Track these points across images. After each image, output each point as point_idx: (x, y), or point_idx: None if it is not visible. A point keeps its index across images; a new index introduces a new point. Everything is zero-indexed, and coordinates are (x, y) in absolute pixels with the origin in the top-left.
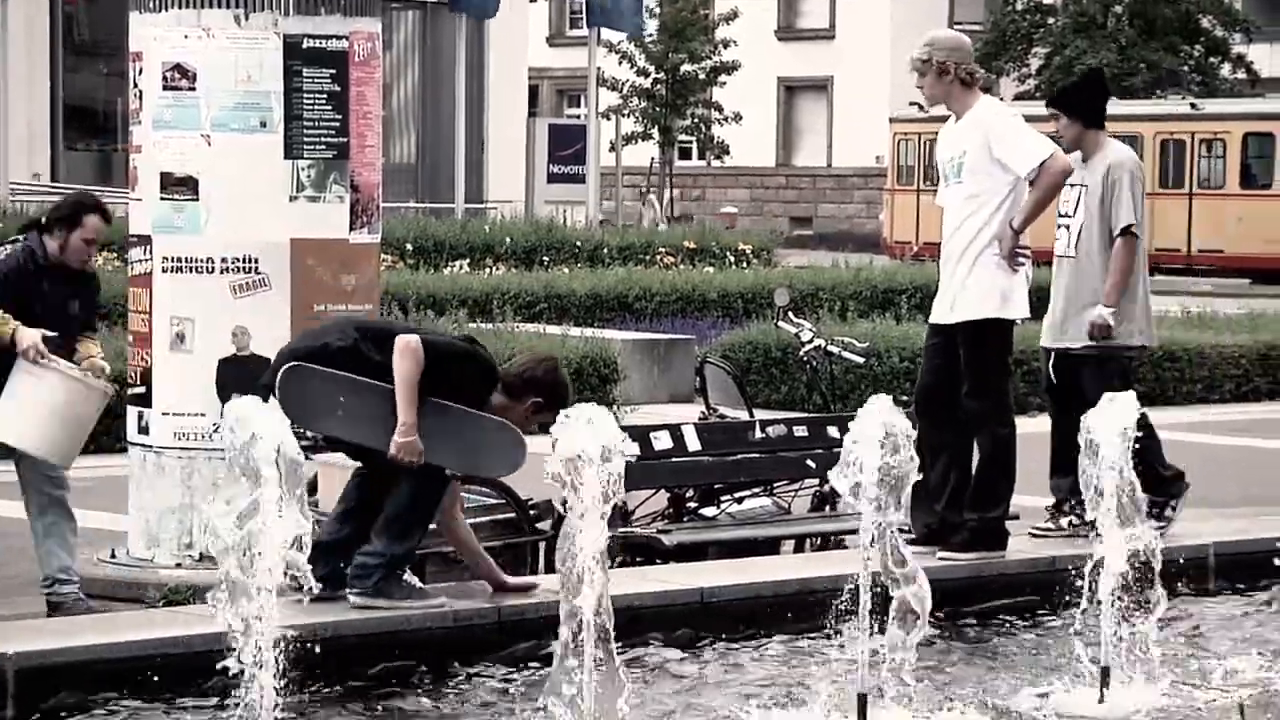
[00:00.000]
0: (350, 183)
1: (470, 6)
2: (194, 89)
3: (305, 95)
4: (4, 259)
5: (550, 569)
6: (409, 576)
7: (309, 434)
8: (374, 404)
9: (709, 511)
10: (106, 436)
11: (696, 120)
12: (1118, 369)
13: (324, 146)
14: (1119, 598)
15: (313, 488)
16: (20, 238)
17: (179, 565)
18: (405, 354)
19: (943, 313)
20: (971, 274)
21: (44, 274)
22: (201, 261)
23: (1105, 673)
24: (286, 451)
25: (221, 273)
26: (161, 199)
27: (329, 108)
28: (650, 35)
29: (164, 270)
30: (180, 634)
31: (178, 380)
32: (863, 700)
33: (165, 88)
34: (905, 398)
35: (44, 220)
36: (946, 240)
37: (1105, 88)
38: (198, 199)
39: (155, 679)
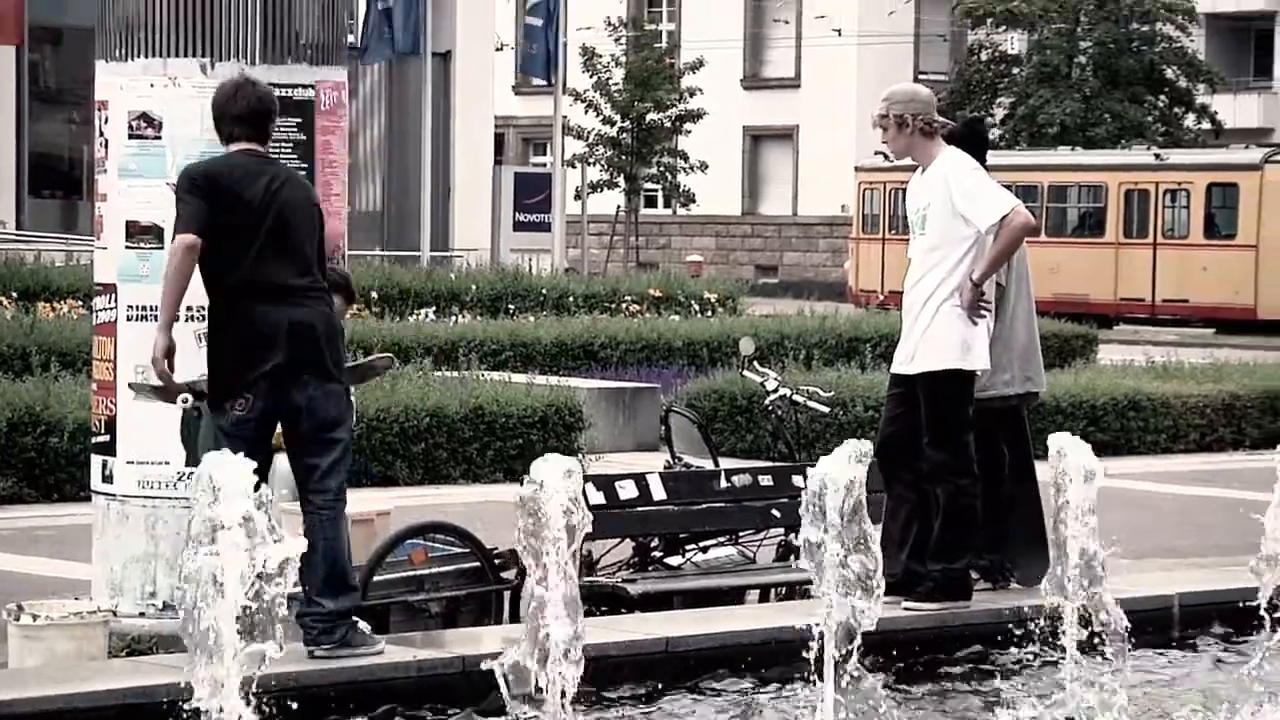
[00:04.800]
0: None
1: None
2: (159, 137)
3: (271, 144)
4: None
5: (515, 618)
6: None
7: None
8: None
9: (674, 561)
10: (70, 485)
11: (662, 168)
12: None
13: None
14: (1084, 651)
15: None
16: None
17: (142, 615)
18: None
19: (904, 363)
20: (932, 325)
21: None
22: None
23: None
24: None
25: (186, 321)
26: (127, 247)
27: (295, 157)
28: (615, 84)
29: (129, 319)
30: (142, 684)
31: (142, 429)
32: None
33: (131, 136)
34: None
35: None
36: (909, 290)
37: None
38: (163, 247)
39: None
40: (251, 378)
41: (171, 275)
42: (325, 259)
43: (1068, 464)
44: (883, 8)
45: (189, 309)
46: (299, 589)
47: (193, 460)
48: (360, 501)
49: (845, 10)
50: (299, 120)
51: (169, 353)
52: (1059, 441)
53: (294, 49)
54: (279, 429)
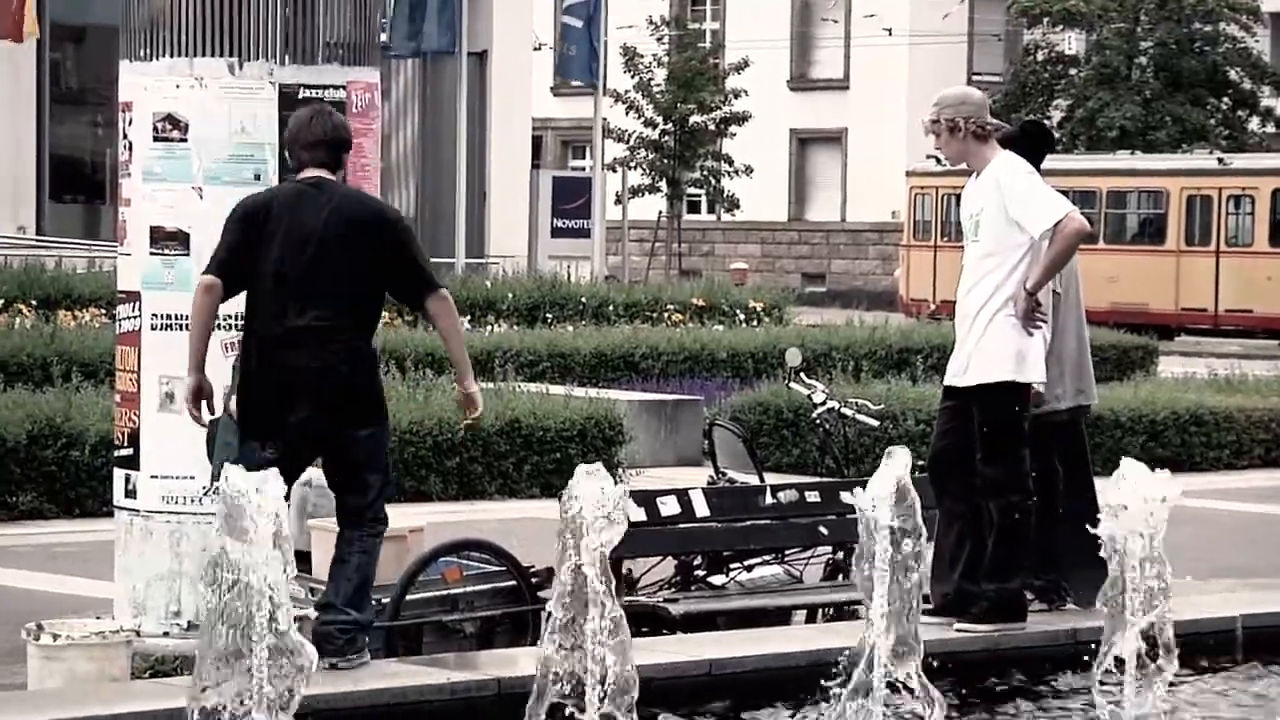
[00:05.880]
0: None
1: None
2: (185, 140)
3: None
4: None
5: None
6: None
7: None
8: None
9: (717, 580)
10: (92, 500)
11: (706, 173)
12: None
13: None
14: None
15: (305, 556)
16: None
17: (166, 634)
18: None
19: (956, 375)
20: (986, 335)
21: None
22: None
23: None
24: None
25: (215, 329)
26: (151, 254)
27: None
28: (657, 85)
29: (153, 328)
30: (167, 706)
31: (167, 442)
32: None
33: (156, 139)
34: (920, 462)
35: None
36: (961, 299)
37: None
38: (189, 254)
39: None
40: (276, 427)
41: (192, 316)
42: (411, 274)
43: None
44: (935, 6)
45: (226, 316)
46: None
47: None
48: (393, 517)
49: (896, 9)
50: None
51: (198, 395)
52: (1128, 468)
53: (324, 48)
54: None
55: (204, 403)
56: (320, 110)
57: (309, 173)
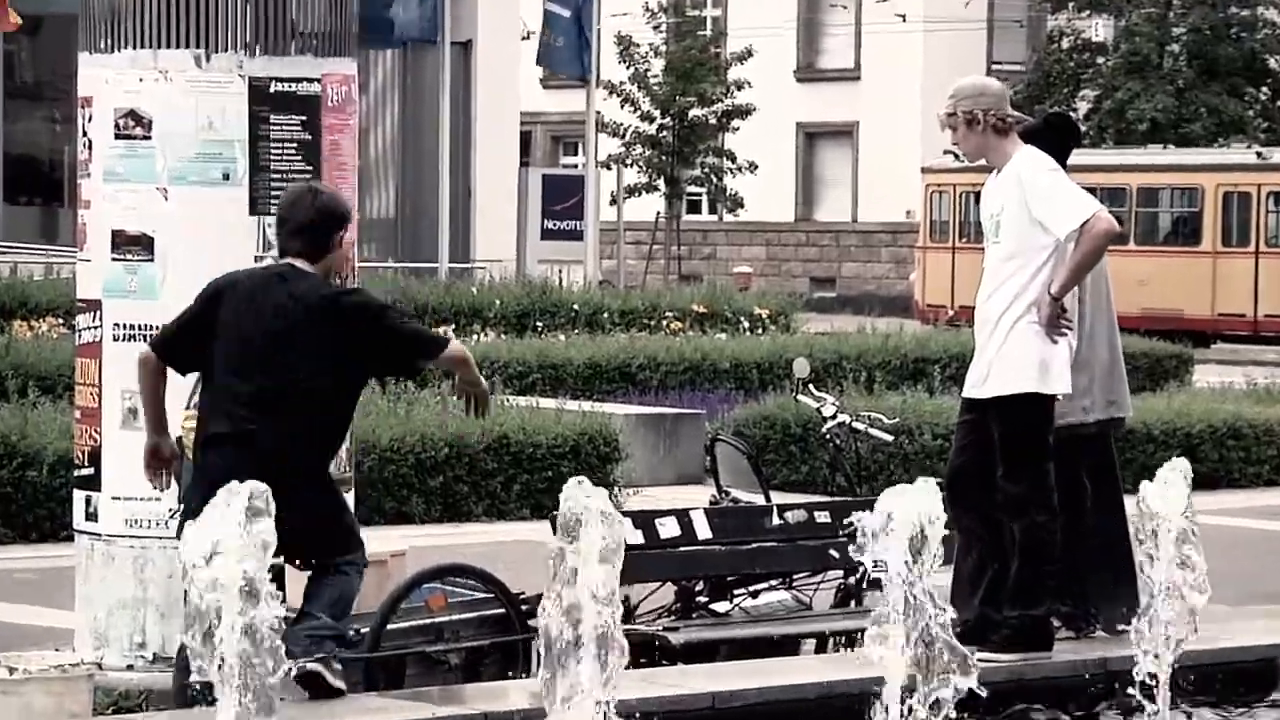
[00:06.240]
0: None
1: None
2: (149, 137)
3: (273, 144)
4: None
5: None
6: None
7: None
8: None
9: (721, 607)
10: (50, 524)
11: (707, 170)
12: None
13: None
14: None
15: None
16: None
17: (130, 667)
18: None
19: (976, 385)
20: (1007, 343)
21: None
22: (156, 329)
23: None
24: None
25: None
26: (113, 259)
27: (299, 158)
28: (655, 76)
29: (115, 339)
30: None
31: (130, 461)
32: None
33: (117, 136)
34: (938, 479)
35: None
36: (981, 305)
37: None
38: (153, 259)
39: None
40: None
41: (139, 384)
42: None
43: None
44: None
45: None
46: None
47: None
48: (372, 541)
49: None
50: (303, 118)
51: (155, 457)
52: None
53: (298, 38)
54: None
55: (163, 469)
56: (304, 192)
57: (289, 261)
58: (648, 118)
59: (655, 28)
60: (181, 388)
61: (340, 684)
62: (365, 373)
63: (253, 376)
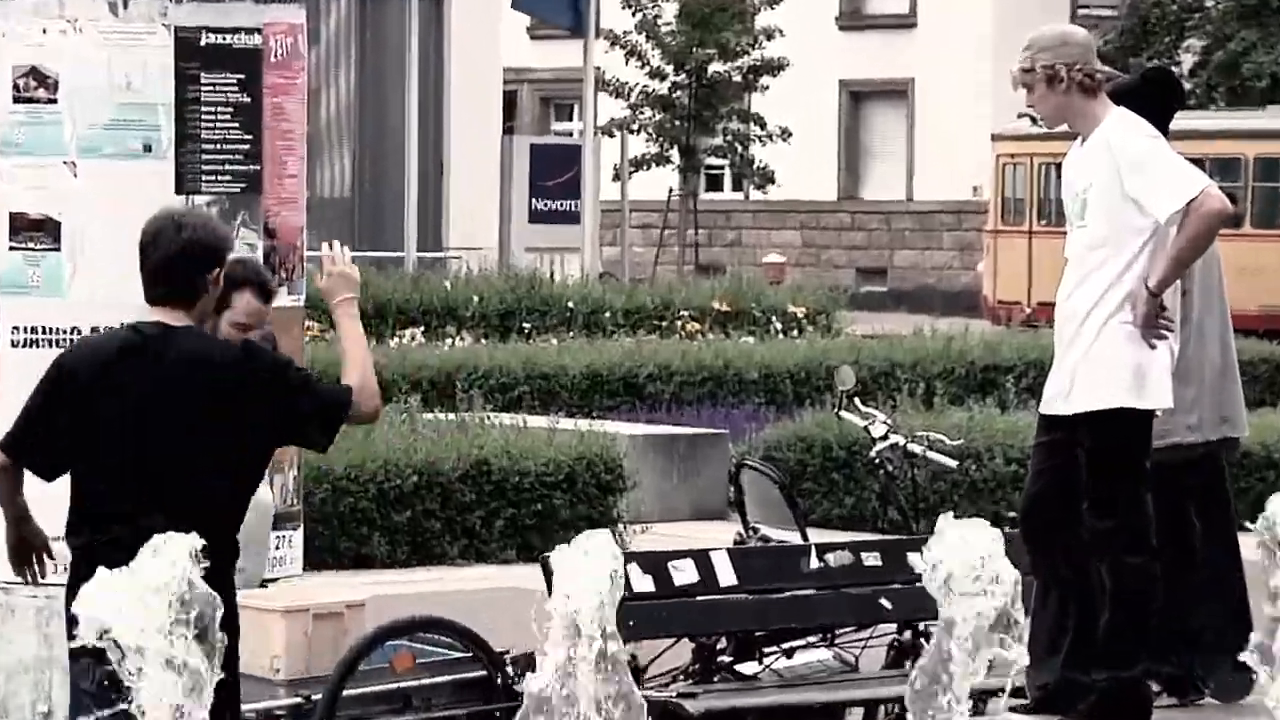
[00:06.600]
0: (264, 225)
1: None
2: (55, 101)
3: (204, 108)
4: None
5: None
6: None
7: None
8: None
9: (748, 668)
10: None
11: (730, 138)
12: None
13: (229, 177)
14: None
15: None
16: None
17: None
18: None
19: (1057, 400)
20: (1095, 348)
21: None
22: (65, 332)
23: None
24: None
25: None
26: (11, 248)
27: (236, 125)
28: (666, 24)
29: (14, 344)
30: None
31: (33, 493)
32: None
33: (16, 99)
34: (1011, 513)
35: None
36: (1063, 301)
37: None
38: (59, 248)
39: None
40: None
41: None
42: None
43: None
44: None
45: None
46: None
47: None
48: (325, 588)
49: None
50: (241, 77)
51: (22, 550)
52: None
53: None
54: None
55: (34, 557)
56: (165, 220)
57: (155, 314)
58: (658, 74)
59: None
60: None
61: None
62: (264, 449)
63: (122, 475)
